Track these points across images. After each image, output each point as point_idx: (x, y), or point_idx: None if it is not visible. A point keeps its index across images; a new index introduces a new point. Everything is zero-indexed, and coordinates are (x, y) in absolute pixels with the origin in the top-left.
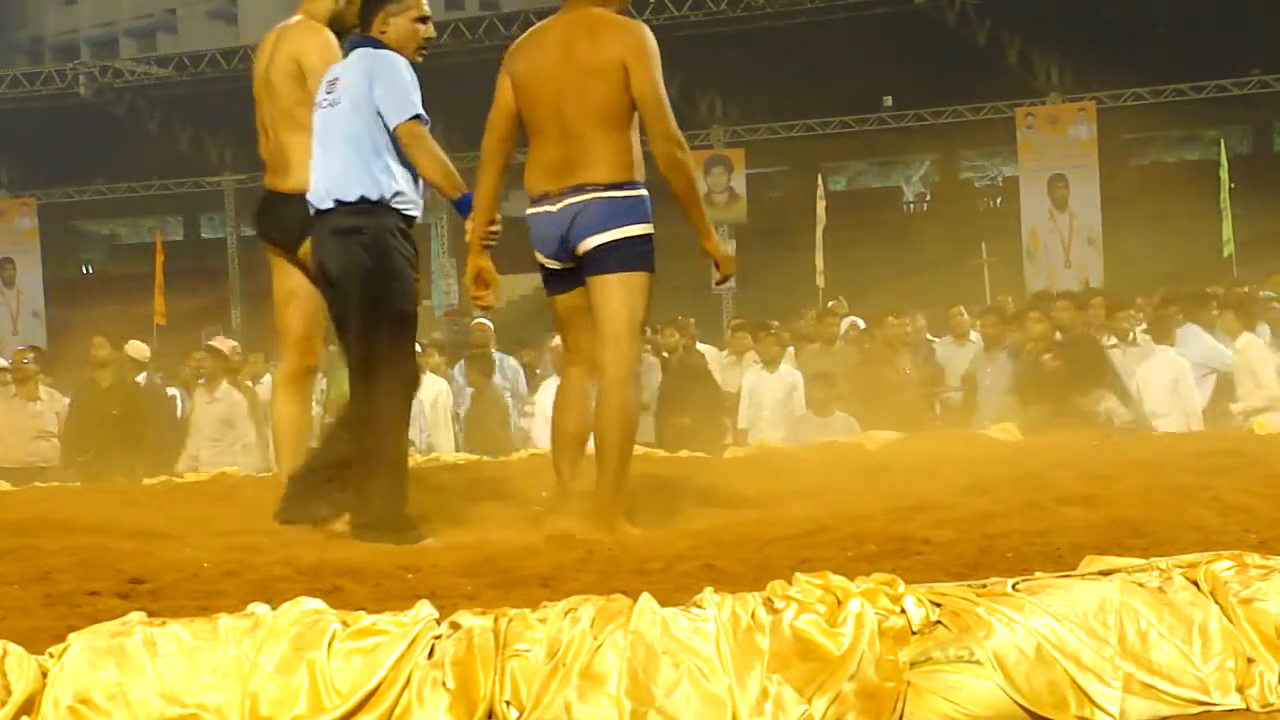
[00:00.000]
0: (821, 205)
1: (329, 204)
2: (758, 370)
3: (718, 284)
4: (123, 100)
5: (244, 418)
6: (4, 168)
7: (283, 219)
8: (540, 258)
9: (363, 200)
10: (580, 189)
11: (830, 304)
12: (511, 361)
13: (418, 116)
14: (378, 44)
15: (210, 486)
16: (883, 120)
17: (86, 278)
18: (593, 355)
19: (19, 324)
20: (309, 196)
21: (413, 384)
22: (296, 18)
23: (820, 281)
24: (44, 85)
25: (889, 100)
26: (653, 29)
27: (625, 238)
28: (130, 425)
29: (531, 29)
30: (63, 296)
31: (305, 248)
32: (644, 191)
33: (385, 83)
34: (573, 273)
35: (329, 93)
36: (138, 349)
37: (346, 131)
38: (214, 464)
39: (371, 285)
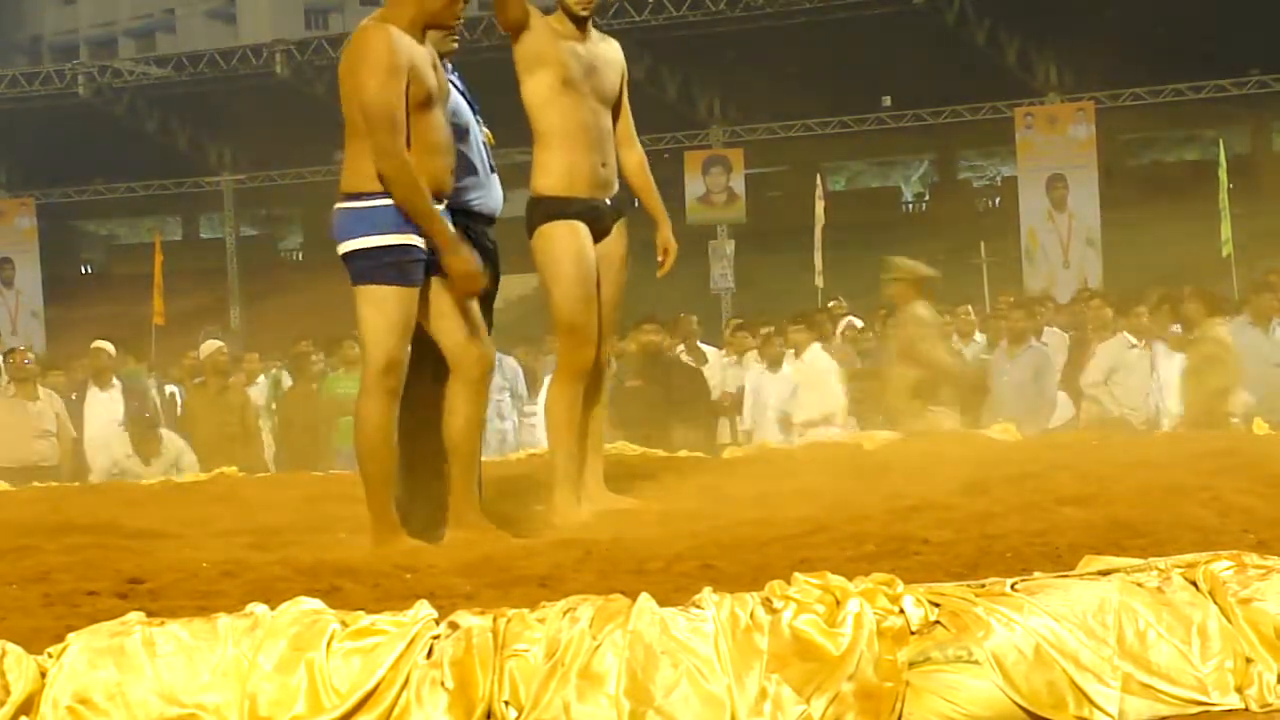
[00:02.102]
0: (820, 205)
1: None
2: (761, 370)
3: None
4: (121, 100)
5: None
6: (3, 168)
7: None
8: None
9: None
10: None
11: (830, 304)
12: (511, 361)
13: None
14: None
15: (210, 486)
16: (881, 120)
17: (85, 278)
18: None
19: (18, 324)
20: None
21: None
22: None
23: (819, 281)
24: (43, 85)
25: (888, 100)
26: (652, 29)
27: (353, 250)
28: None
29: None
30: (62, 296)
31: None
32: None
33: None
34: None
35: None
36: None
37: None
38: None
39: None
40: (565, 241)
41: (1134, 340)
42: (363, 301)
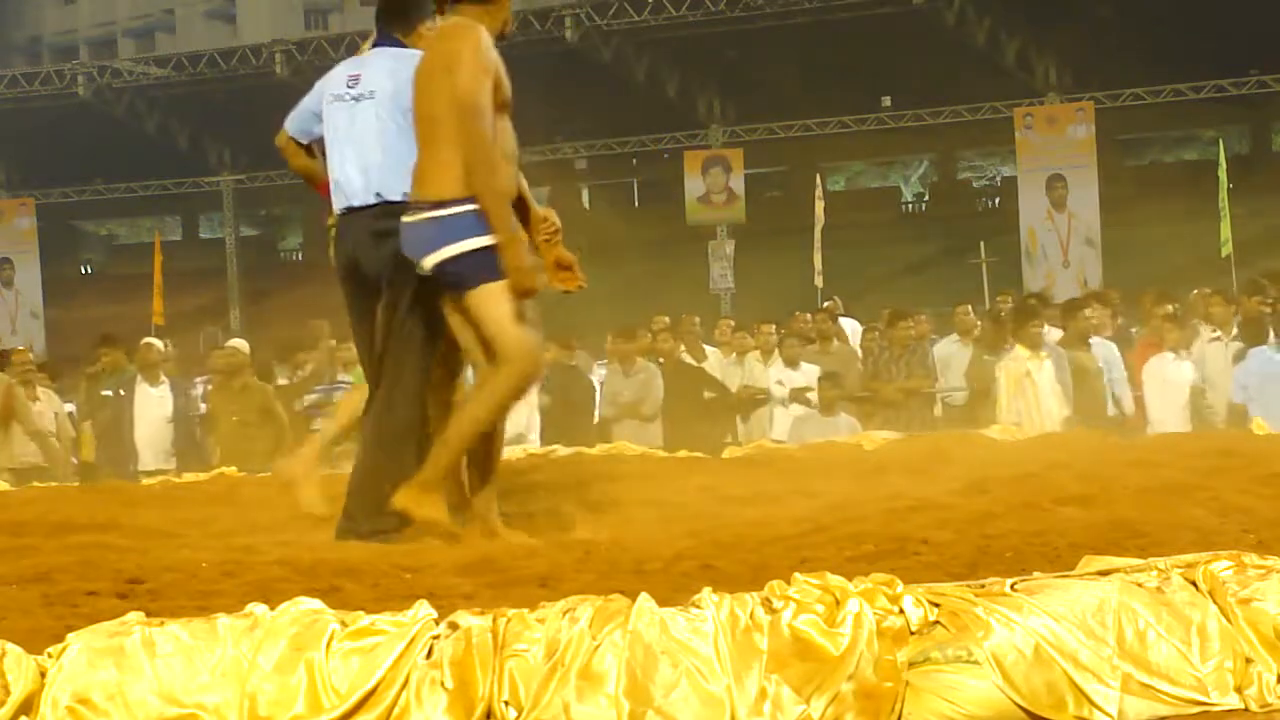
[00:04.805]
0: (820, 205)
1: (368, 200)
2: (781, 369)
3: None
4: (121, 101)
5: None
6: (2, 168)
7: None
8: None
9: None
10: (416, 206)
11: (826, 304)
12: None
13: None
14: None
15: (209, 486)
16: (881, 120)
17: (85, 278)
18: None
19: (17, 324)
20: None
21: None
22: None
23: (819, 282)
24: (43, 85)
25: (888, 101)
26: (652, 29)
27: (464, 252)
28: None
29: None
30: (61, 297)
31: None
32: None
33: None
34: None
35: (351, 88)
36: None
37: (378, 127)
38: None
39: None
40: None
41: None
42: (481, 301)
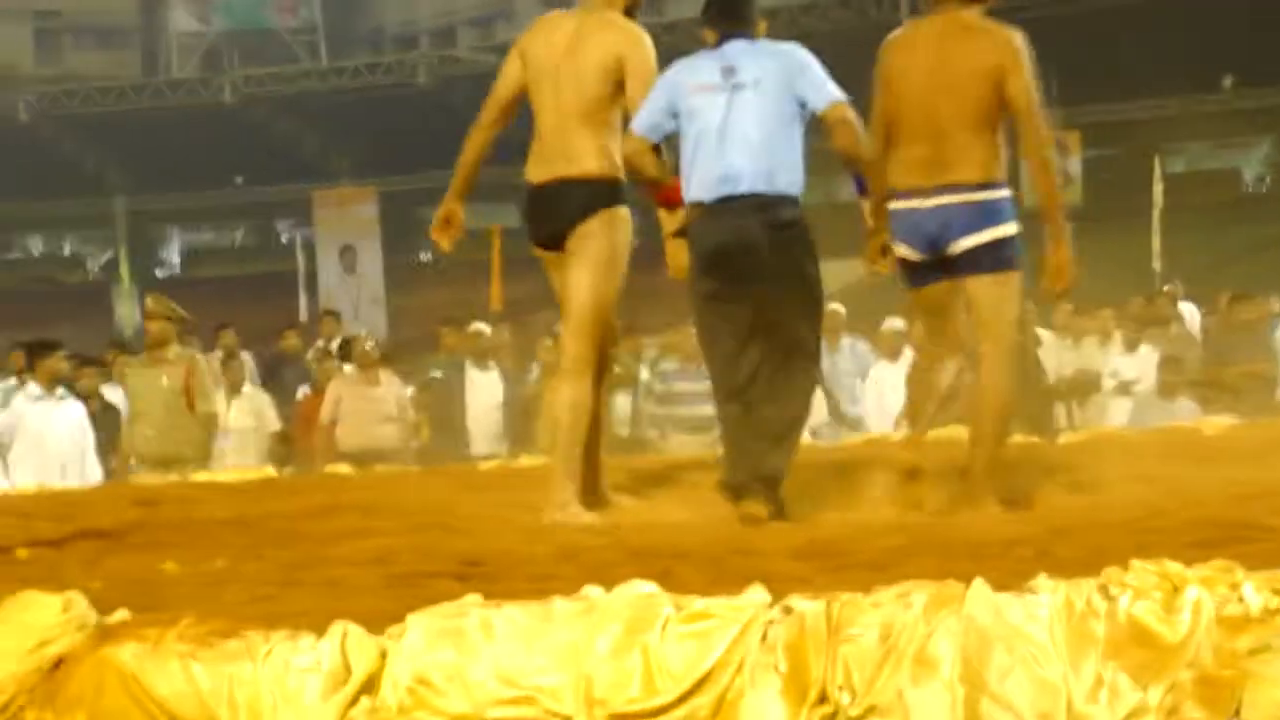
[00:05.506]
0: (1159, 188)
1: (760, 187)
2: (1119, 354)
3: (1057, 296)
4: (461, 89)
5: None
6: (346, 156)
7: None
8: (903, 250)
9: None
10: (953, 188)
11: (1166, 288)
12: (862, 345)
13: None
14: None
15: (543, 472)
16: (1223, 101)
17: (425, 264)
18: (957, 341)
19: (360, 310)
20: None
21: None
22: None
23: (1157, 265)
24: (385, 75)
25: (1229, 81)
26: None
27: (996, 239)
28: None
29: (902, 31)
30: (402, 283)
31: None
32: (1008, 192)
33: (811, 72)
34: (934, 265)
35: (727, 77)
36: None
37: (764, 117)
38: None
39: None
40: (628, 228)
41: None
42: (1001, 284)
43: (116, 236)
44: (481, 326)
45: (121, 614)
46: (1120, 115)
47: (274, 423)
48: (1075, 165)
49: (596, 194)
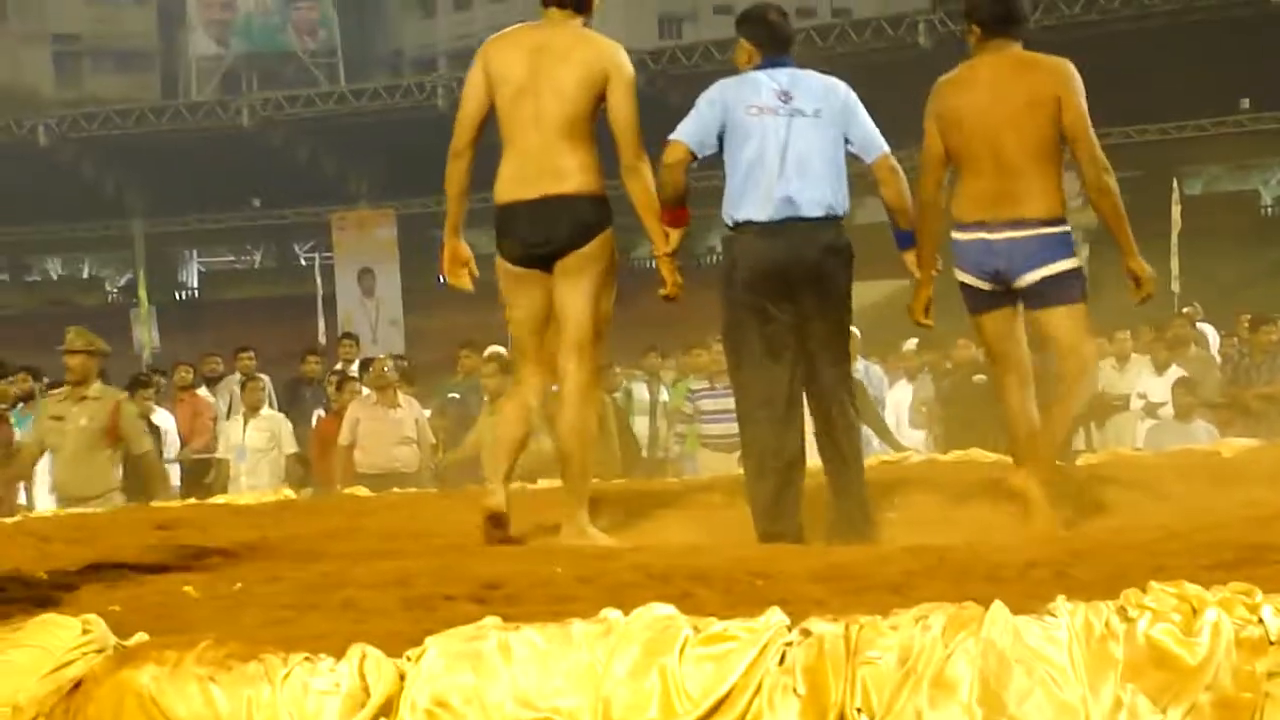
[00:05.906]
0: (1177, 210)
1: (818, 213)
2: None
3: (1139, 302)
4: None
5: None
6: (364, 179)
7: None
8: (969, 278)
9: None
10: (1019, 224)
11: (1184, 310)
12: (876, 369)
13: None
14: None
15: (551, 495)
16: (1240, 123)
17: (443, 287)
18: (1023, 367)
19: (378, 333)
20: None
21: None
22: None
23: (1176, 287)
24: (403, 98)
25: (1246, 103)
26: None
27: (1061, 271)
28: None
29: (956, 72)
30: (420, 306)
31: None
32: (1069, 226)
33: (860, 116)
34: (999, 295)
35: (785, 102)
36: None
37: (821, 144)
38: None
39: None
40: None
41: None
42: (1074, 316)
43: (135, 259)
44: (499, 349)
45: (140, 636)
46: (1138, 138)
47: (290, 445)
48: None
49: (595, 214)
